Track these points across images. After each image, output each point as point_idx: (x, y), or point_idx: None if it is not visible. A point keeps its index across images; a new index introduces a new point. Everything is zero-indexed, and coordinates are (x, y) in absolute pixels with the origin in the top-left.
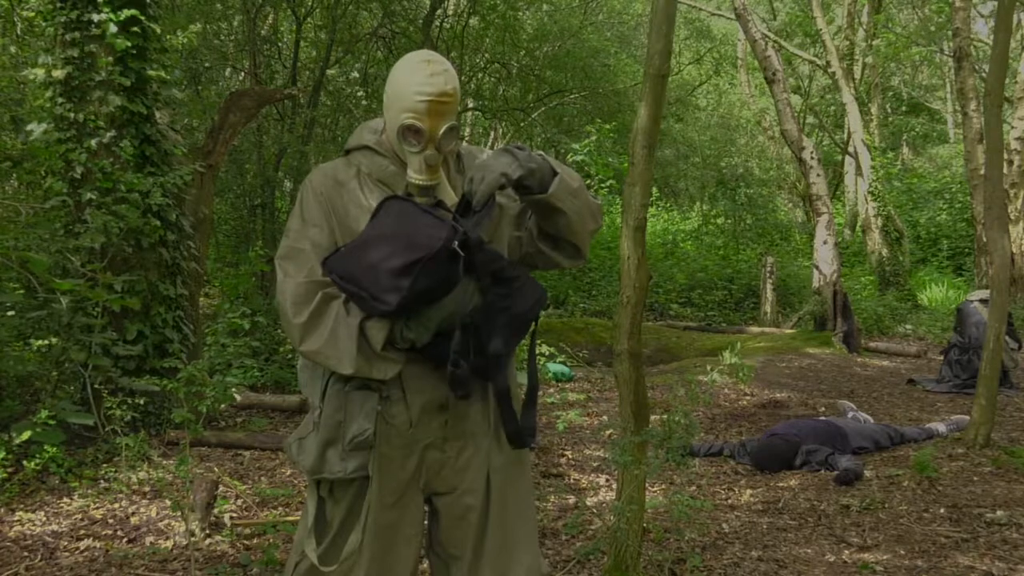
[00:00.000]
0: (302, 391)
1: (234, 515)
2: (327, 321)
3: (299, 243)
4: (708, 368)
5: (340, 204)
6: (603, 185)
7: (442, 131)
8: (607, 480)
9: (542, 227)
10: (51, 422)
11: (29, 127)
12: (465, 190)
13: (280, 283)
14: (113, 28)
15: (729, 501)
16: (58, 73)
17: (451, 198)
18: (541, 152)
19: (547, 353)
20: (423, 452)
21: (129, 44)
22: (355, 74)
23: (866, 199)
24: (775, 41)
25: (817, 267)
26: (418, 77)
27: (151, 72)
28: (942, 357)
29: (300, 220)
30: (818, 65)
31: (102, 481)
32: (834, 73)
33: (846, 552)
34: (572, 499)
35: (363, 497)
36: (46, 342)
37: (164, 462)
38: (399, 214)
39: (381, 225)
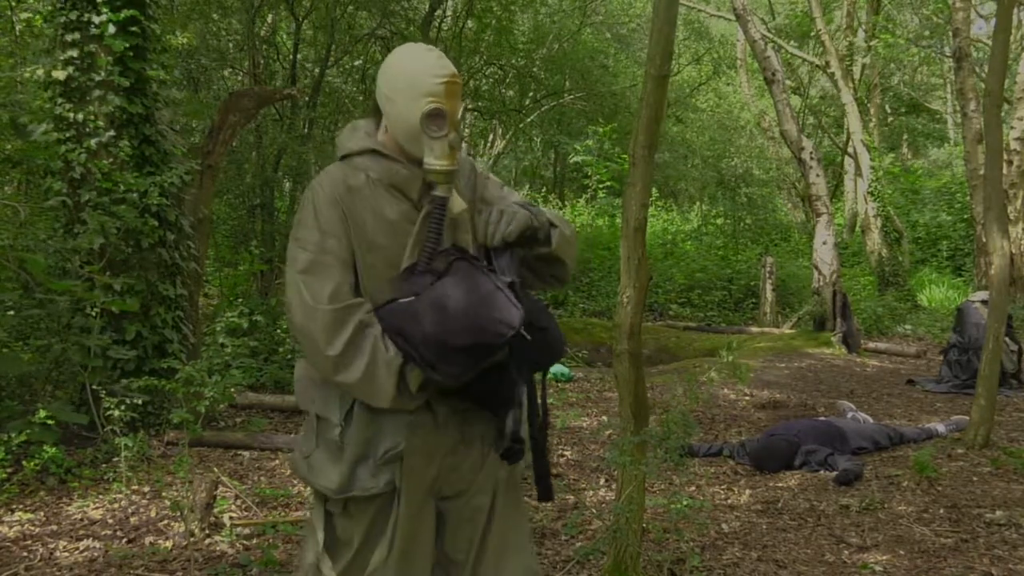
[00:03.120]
0: (303, 404)
1: (233, 515)
2: (363, 355)
3: (321, 257)
4: (707, 368)
5: (356, 212)
6: (602, 186)
7: (460, 112)
8: (607, 480)
9: (530, 263)
10: (50, 422)
11: (29, 127)
12: (493, 220)
13: (303, 302)
14: (112, 29)
15: (728, 501)
16: (58, 74)
17: (459, 204)
18: (541, 208)
19: None
20: (441, 458)
21: (128, 45)
22: (356, 75)
23: (865, 199)
24: (774, 42)
25: (817, 267)
26: (429, 61)
27: (150, 72)
28: (942, 357)
29: (317, 231)
30: (817, 66)
31: (101, 481)
32: (833, 74)
33: (845, 552)
34: (572, 499)
35: (386, 511)
36: (44, 342)
37: (163, 462)
38: (469, 282)
39: (449, 293)
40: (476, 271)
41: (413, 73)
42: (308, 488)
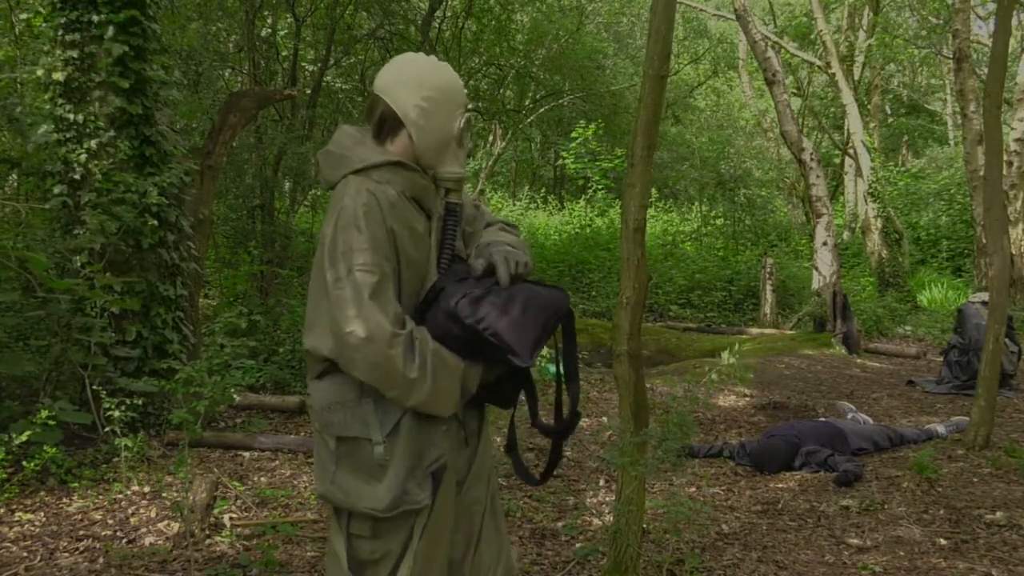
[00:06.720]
0: (331, 431)
1: (233, 516)
2: (428, 369)
3: (384, 280)
4: (708, 369)
5: (397, 228)
6: (599, 185)
7: None
8: (607, 480)
9: None
10: (51, 422)
11: (40, 129)
12: (500, 261)
13: (379, 328)
14: (111, 31)
15: (728, 502)
16: (58, 75)
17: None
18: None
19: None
20: (456, 457)
21: (126, 48)
22: (356, 76)
23: (865, 200)
24: (775, 42)
25: (817, 268)
26: (452, 73)
27: (150, 73)
28: (942, 358)
29: (373, 252)
30: (818, 66)
31: (101, 482)
32: (834, 74)
33: (845, 553)
34: (572, 499)
35: (411, 522)
36: (45, 343)
37: (163, 463)
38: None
39: (506, 288)
40: None
41: (447, 84)
42: (331, 513)
